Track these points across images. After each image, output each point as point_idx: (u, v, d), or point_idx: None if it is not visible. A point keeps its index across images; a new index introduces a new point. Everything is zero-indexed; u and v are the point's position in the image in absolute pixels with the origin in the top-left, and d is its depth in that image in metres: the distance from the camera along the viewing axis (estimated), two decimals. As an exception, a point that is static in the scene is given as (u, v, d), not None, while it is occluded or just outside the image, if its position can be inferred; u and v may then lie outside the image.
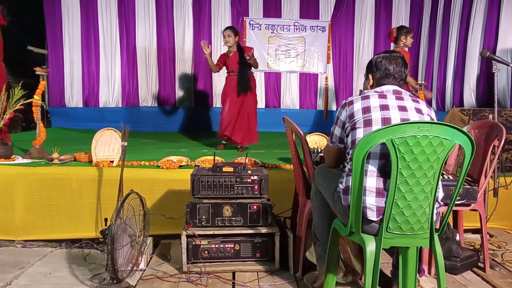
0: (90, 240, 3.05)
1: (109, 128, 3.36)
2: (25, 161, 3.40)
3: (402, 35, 4.65)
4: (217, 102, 7.16)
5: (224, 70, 4.92)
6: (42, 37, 6.75)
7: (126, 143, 2.76)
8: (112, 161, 3.25)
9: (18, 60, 6.09)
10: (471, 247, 2.96)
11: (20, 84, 3.44)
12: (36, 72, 3.67)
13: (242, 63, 4.60)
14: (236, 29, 4.73)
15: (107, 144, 3.31)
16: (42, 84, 3.68)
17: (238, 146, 4.73)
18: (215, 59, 5.11)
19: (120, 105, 6.96)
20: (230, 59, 4.72)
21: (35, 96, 3.61)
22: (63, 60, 6.78)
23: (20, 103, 3.41)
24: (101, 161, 3.23)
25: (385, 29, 7.25)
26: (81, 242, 3.05)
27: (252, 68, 4.75)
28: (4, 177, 3.10)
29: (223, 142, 4.85)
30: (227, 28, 4.70)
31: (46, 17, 6.67)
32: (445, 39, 6.38)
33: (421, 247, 1.94)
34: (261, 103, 7.21)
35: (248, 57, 4.50)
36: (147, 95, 7.08)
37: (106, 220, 2.64)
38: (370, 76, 2.01)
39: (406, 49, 4.82)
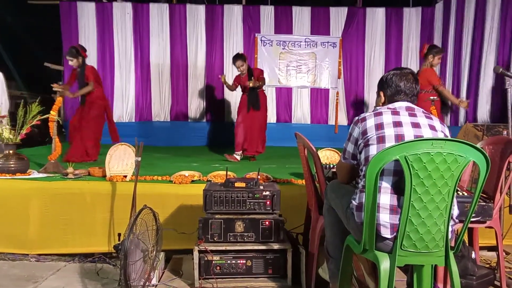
0: (103, 255, 3.06)
1: (123, 143, 3.41)
2: (41, 175, 3.45)
3: (431, 53, 4.66)
4: (229, 117, 7.23)
5: (239, 88, 5.41)
6: (59, 54, 6.92)
7: (139, 158, 2.80)
8: (125, 176, 3.29)
9: (36, 76, 6.24)
10: (487, 265, 2.90)
11: (37, 100, 3.53)
12: (54, 89, 3.76)
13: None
14: (244, 56, 5.23)
15: (121, 159, 3.35)
16: (59, 100, 3.77)
17: (250, 156, 5.22)
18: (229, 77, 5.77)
19: (133, 120, 7.06)
20: (242, 80, 5.25)
21: (51, 112, 3.69)
22: (78, 77, 6.91)
23: (36, 119, 3.48)
24: (115, 175, 3.26)
25: (396, 44, 7.28)
26: (94, 257, 3.07)
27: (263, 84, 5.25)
28: (20, 191, 3.15)
29: (237, 155, 5.15)
30: (238, 59, 5.14)
31: (63, 35, 6.84)
32: (458, 54, 6.36)
33: (436, 265, 1.91)
34: (272, 118, 7.27)
35: (251, 84, 5.01)
36: (160, 110, 7.18)
37: (119, 235, 2.66)
38: (382, 93, 2.01)
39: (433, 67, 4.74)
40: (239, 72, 5.22)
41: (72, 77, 4.91)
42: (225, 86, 5.44)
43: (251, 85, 5.00)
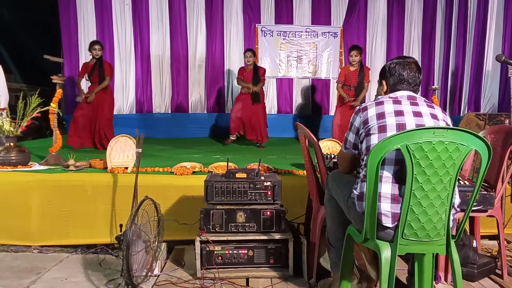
0: (105, 246, 3.07)
1: (123, 135, 3.40)
2: (42, 167, 3.45)
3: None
4: (229, 108, 7.21)
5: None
6: (58, 46, 6.88)
7: (140, 150, 2.80)
8: (126, 168, 3.29)
9: (35, 68, 6.22)
10: (488, 254, 2.91)
11: (36, 92, 3.52)
12: (53, 81, 3.74)
13: (255, 79, 5.68)
14: (255, 52, 5.90)
15: (122, 150, 3.35)
16: (59, 92, 3.75)
17: (258, 144, 5.79)
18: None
19: (134, 112, 7.05)
20: (246, 73, 5.73)
21: (51, 104, 3.67)
22: (78, 69, 6.88)
23: (37, 111, 3.47)
24: (116, 167, 3.26)
25: (398, 33, 7.23)
26: (96, 248, 3.08)
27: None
28: (21, 183, 3.16)
29: (232, 137, 5.78)
30: (250, 50, 5.78)
31: (62, 27, 6.80)
32: (461, 42, 6.31)
33: (437, 254, 1.91)
34: (273, 109, 7.26)
35: (256, 89, 5.70)
36: (160, 102, 7.17)
37: (121, 226, 2.67)
38: (384, 82, 2.00)
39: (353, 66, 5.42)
40: (246, 65, 5.77)
41: (83, 71, 5.34)
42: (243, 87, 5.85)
43: (255, 89, 5.67)
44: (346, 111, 5.13)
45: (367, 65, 7.31)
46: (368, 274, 2.29)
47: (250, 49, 5.89)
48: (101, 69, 5.17)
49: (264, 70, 5.93)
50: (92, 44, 5.26)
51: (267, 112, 7.17)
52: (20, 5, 6.67)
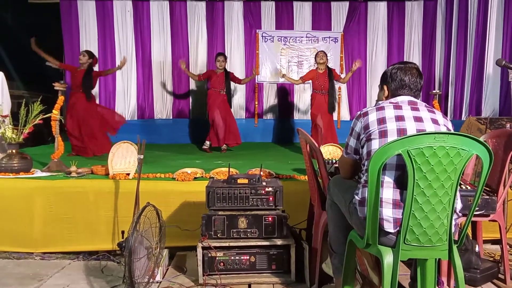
0: (107, 252, 3.07)
1: (125, 141, 3.41)
2: (44, 174, 3.46)
3: None
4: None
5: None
6: (60, 53, 6.91)
7: (142, 156, 2.80)
8: (128, 174, 3.29)
9: (37, 75, 6.25)
10: (491, 258, 2.90)
11: (38, 99, 3.53)
12: (55, 88, 3.76)
13: (227, 82, 5.75)
14: (226, 56, 5.93)
15: (123, 157, 3.36)
16: (61, 99, 3.77)
17: (225, 148, 5.76)
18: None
19: (135, 118, 7.07)
20: (217, 76, 5.72)
21: (53, 111, 3.69)
22: (80, 75, 6.91)
23: (39, 118, 3.49)
24: (118, 174, 3.27)
25: (398, 38, 7.25)
26: (98, 254, 3.08)
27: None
28: (23, 190, 3.16)
29: (224, 147, 5.72)
30: (222, 55, 5.80)
31: (64, 34, 6.84)
32: (461, 47, 6.32)
33: (439, 259, 1.91)
34: (274, 114, 7.27)
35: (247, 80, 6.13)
36: (162, 107, 7.19)
37: (123, 232, 2.67)
38: (385, 87, 2.00)
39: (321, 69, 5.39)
40: (217, 68, 5.72)
41: (68, 67, 5.47)
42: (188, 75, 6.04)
43: (247, 81, 6.10)
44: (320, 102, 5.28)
45: (367, 69, 7.35)
46: (370, 279, 2.28)
47: (222, 54, 5.89)
48: (87, 76, 4.99)
49: (233, 74, 5.96)
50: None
51: (269, 118, 7.24)
52: (22, 12, 6.71)
